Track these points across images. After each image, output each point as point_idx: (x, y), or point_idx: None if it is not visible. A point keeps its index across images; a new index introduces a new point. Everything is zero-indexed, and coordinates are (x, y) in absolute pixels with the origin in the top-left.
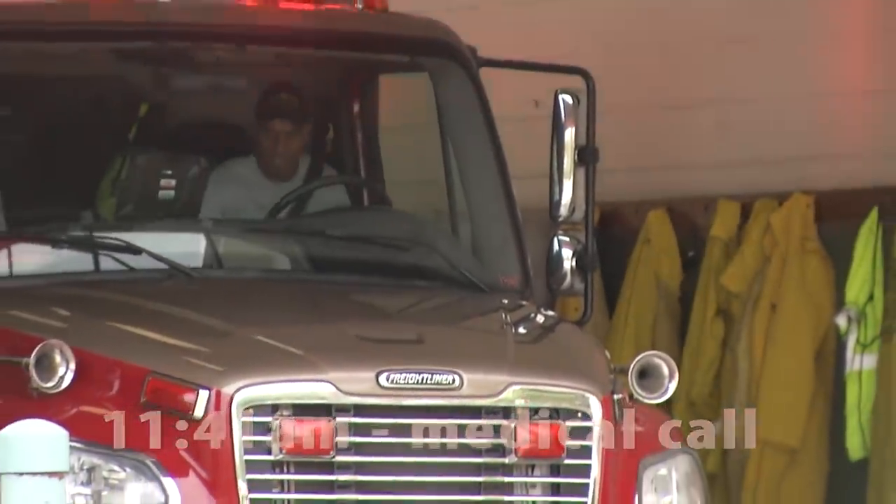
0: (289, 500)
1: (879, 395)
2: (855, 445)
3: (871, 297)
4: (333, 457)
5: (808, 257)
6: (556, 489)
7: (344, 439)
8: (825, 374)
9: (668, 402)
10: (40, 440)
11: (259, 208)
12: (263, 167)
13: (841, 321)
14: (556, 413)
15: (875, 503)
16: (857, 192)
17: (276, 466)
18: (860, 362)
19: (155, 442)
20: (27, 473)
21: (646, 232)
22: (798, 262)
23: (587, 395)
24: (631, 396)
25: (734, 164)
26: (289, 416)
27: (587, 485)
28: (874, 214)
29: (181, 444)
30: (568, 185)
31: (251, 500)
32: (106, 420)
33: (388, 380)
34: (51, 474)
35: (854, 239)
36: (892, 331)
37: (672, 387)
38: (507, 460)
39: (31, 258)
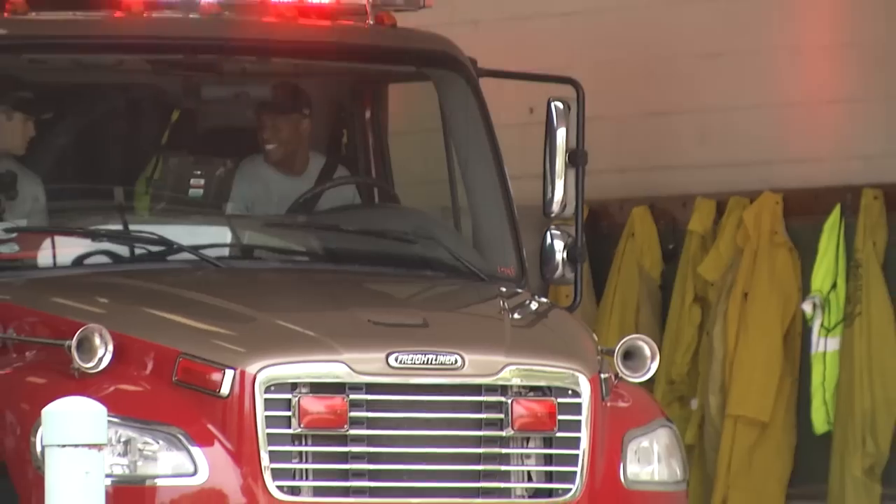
0: (307, 470)
1: (842, 375)
2: (819, 420)
3: (834, 286)
4: (347, 430)
5: (776, 250)
6: (548, 460)
7: (357, 414)
8: (792, 355)
9: (650, 380)
10: (81, 415)
11: (275, 202)
12: (268, 161)
13: (807, 308)
14: (548, 391)
15: (838, 473)
16: (821, 191)
17: (295, 439)
18: (824, 345)
19: (185, 417)
20: (69, 446)
21: (630, 227)
22: (768, 254)
23: (577, 374)
24: (616, 375)
25: (710, 166)
26: (307, 393)
27: (577, 455)
28: (837, 211)
29: (209, 418)
30: (560, 184)
31: (272, 469)
32: (141, 397)
33: (396, 360)
34: (90, 446)
35: (819, 233)
36: (854, 316)
37: (654, 367)
38: (504, 433)
39: (73, 250)
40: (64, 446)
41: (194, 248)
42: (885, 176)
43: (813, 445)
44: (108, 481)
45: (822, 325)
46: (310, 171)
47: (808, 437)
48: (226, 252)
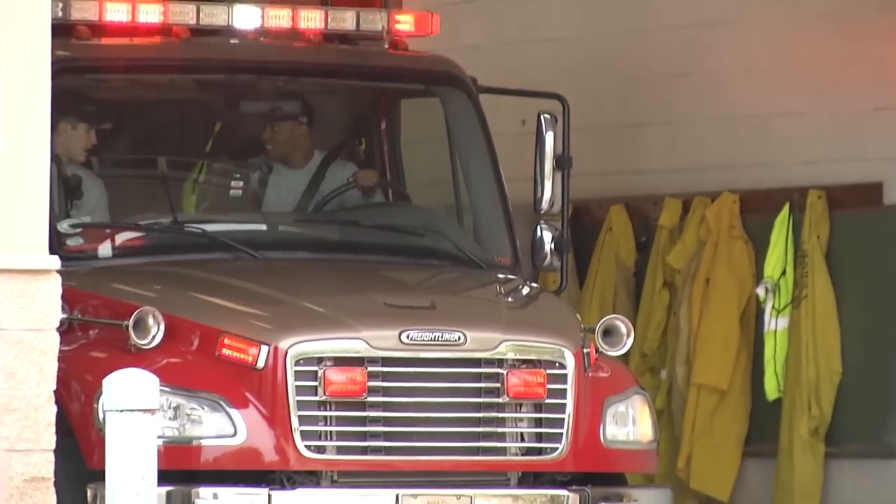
0: (330, 432)
1: (790, 350)
2: (771, 388)
3: (783, 273)
4: (366, 398)
5: (734, 242)
6: (538, 423)
7: (374, 384)
8: (748, 332)
9: (626, 354)
10: (136, 385)
11: (277, 192)
12: (270, 157)
13: (760, 292)
14: (538, 363)
15: (787, 433)
16: (772, 192)
17: (321, 405)
18: (775, 324)
19: (226, 386)
20: (126, 410)
21: (608, 222)
22: (726, 245)
23: (563, 349)
24: (597, 350)
25: (677, 170)
26: (331, 366)
27: (563, 419)
28: (786, 209)
29: (246, 387)
30: (548, 185)
31: (301, 431)
32: (188, 369)
33: (408, 337)
34: (144, 411)
35: (770, 228)
36: (801, 299)
37: (629, 343)
38: (500, 400)
39: (129, 243)
40: (122, 411)
41: (233, 241)
42: (827, 179)
43: (765, 410)
44: (160, 441)
45: (773, 306)
46: (309, 167)
47: (761, 403)
48: (260, 244)
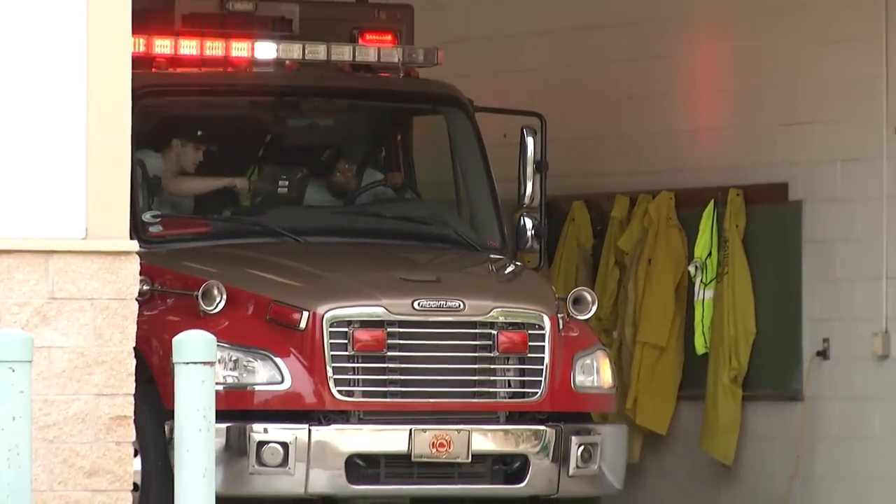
0: (358, 380)
1: (715, 315)
2: (700, 345)
3: (710, 255)
4: (385, 353)
5: (670, 230)
6: (522, 372)
7: (392, 342)
8: (681, 301)
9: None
10: (198, 342)
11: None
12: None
13: (691, 269)
14: (522, 325)
15: (712, 381)
16: (701, 190)
17: (350, 359)
18: (703, 294)
19: (275, 343)
20: (190, 363)
21: (571, 214)
22: (664, 233)
23: (542, 314)
24: (568, 315)
25: (626, 173)
26: (358, 327)
27: (541, 369)
28: (711, 204)
29: (291, 344)
30: (529, 184)
31: (334, 379)
32: (245, 330)
33: (419, 305)
34: (204, 363)
35: (699, 219)
36: (723, 275)
37: (594, 309)
38: (492, 354)
39: (197, 230)
40: (187, 363)
41: (280, 228)
42: (744, 180)
43: (695, 362)
44: (221, 388)
45: (701, 281)
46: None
47: (692, 357)
48: (303, 231)
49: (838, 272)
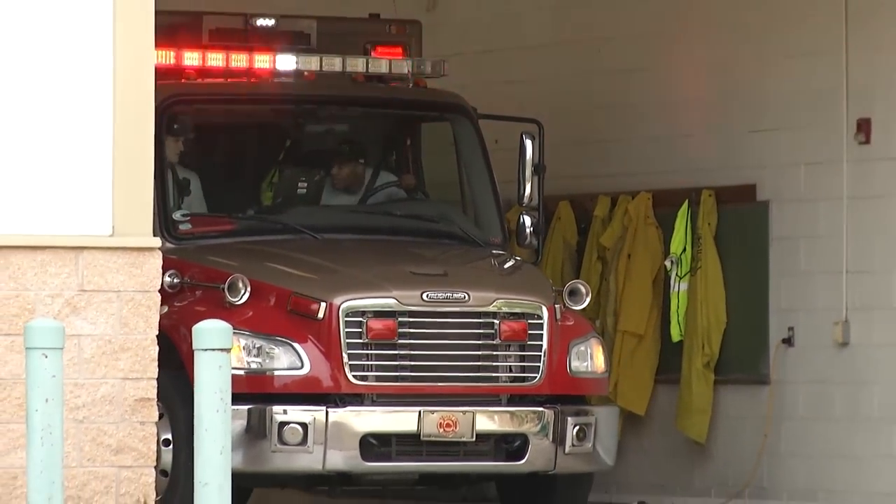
0: (371, 365)
1: (689, 305)
2: (675, 333)
3: (684, 250)
4: (397, 340)
5: (648, 228)
6: (522, 359)
7: (402, 331)
8: (658, 293)
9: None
10: (216, 330)
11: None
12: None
13: (667, 264)
14: (522, 315)
15: (687, 366)
16: (676, 191)
17: (364, 346)
18: (678, 287)
19: (295, 332)
20: (209, 349)
21: (557, 213)
22: (643, 230)
23: (540, 304)
24: (564, 305)
25: (608, 176)
26: (371, 317)
27: (540, 355)
28: (686, 204)
29: (310, 333)
30: (528, 185)
31: (350, 364)
32: (267, 319)
33: (427, 297)
34: (221, 350)
35: (675, 217)
36: (696, 269)
37: (588, 300)
38: (494, 342)
39: (223, 227)
40: (205, 350)
41: (300, 226)
42: (716, 181)
43: (671, 349)
44: (244, 372)
45: (676, 274)
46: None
47: (668, 344)
48: (321, 228)
49: (802, 266)
